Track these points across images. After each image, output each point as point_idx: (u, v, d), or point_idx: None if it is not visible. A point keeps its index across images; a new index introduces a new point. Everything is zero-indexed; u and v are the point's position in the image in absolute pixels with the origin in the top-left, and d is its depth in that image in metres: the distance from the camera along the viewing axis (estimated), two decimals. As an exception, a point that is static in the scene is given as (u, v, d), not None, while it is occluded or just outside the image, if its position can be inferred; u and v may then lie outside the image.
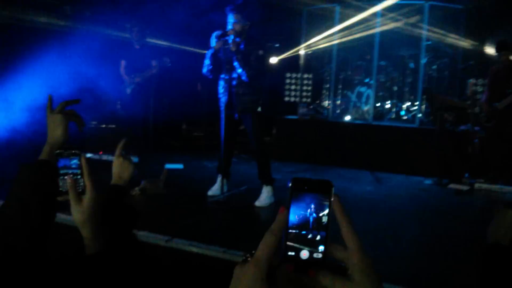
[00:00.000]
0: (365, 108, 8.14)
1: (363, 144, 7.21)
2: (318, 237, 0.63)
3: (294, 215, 0.63)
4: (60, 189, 1.23)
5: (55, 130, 1.45)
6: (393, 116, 8.02)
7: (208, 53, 4.70)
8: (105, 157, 6.45)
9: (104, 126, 7.77)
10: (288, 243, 0.63)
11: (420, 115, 7.53)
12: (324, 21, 8.33)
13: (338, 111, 8.42)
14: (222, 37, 4.56)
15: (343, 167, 7.02)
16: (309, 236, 0.63)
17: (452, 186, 6.07)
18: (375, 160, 7.00)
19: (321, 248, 0.63)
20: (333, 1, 7.99)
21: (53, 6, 7.42)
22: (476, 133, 6.50)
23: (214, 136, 8.49)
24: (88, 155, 6.44)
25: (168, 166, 6.53)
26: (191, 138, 9.18)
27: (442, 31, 7.72)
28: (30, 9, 6.89)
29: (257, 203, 4.68)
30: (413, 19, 7.66)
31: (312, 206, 0.63)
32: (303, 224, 0.63)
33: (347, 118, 8.03)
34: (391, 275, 3.08)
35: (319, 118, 8.17)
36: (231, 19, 4.58)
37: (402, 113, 8.01)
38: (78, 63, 6.66)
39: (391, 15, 7.75)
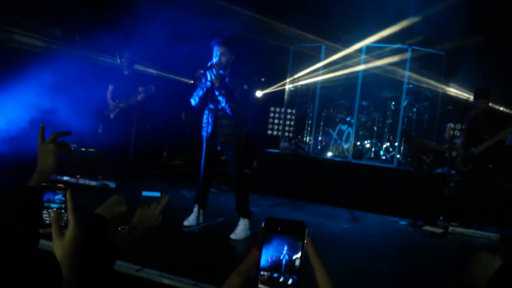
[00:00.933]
0: (345, 146, 8.26)
1: (341, 182, 7.27)
2: (290, 281, 0.61)
3: (267, 257, 0.61)
4: (43, 221, 1.24)
5: (46, 159, 1.48)
6: (372, 155, 8.14)
7: (203, 86, 4.72)
8: (82, 181, 6.37)
9: (83, 149, 7.70)
10: (260, 286, 0.61)
11: (398, 156, 7.66)
12: (309, 59, 8.53)
13: (319, 147, 8.52)
14: (208, 69, 4.62)
15: (321, 203, 7.05)
16: (281, 279, 0.61)
17: (426, 228, 6.13)
18: (353, 198, 7.05)
19: None
20: (319, 41, 8.20)
21: (43, 29, 7.47)
22: (452, 176, 6.62)
23: (194, 165, 8.48)
24: (65, 178, 6.35)
25: (145, 193, 6.47)
26: (171, 166, 9.14)
27: (423, 75, 7.96)
28: (19, 31, 6.92)
29: (233, 236, 4.66)
30: (395, 62, 7.90)
31: (285, 248, 0.61)
32: (275, 266, 0.61)
33: (329, 154, 8.11)
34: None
35: (300, 153, 8.24)
36: (217, 51, 4.66)
37: (381, 153, 8.14)
38: (65, 86, 6.67)
39: (375, 58, 7.97)
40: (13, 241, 1.26)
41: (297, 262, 0.62)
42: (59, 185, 1.25)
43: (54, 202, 1.23)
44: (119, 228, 1.76)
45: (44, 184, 1.25)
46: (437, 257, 5.06)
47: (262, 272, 0.61)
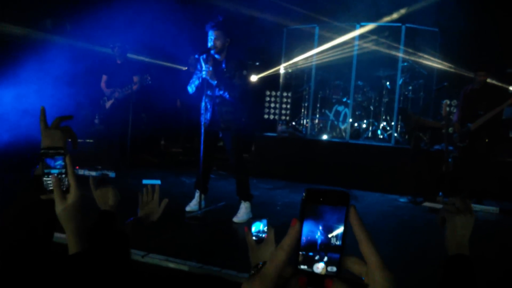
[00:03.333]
0: (342, 126, 8.27)
1: (340, 162, 7.30)
2: (326, 259, 0.59)
3: (306, 236, 0.59)
4: (45, 187, 1.24)
5: (55, 146, 1.45)
6: (369, 135, 8.16)
7: (199, 76, 4.70)
8: (81, 172, 6.37)
9: (81, 140, 7.69)
10: (301, 267, 0.59)
11: (395, 134, 7.68)
12: (303, 40, 8.49)
13: (316, 129, 8.53)
14: (202, 54, 4.59)
15: (321, 184, 7.08)
16: (317, 257, 0.59)
17: (426, 204, 6.18)
18: (352, 178, 7.08)
19: (329, 268, 0.59)
20: (313, 22, 8.15)
21: (34, 19, 7.39)
22: (450, 152, 6.66)
23: (192, 152, 8.49)
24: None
25: (145, 181, 6.48)
26: (169, 154, 9.15)
27: (418, 53, 7.95)
28: (11, 21, 6.84)
29: (235, 219, 4.69)
30: (389, 40, 7.88)
31: (325, 223, 0.59)
32: (311, 244, 0.59)
33: (325, 137, 8.13)
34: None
35: (298, 136, 8.25)
36: (211, 35, 4.63)
37: (379, 132, 8.16)
38: (58, 77, 6.62)
39: (369, 37, 7.95)
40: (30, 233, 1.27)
41: (337, 239, 0.59)
42: (58, 150, 1.25)
43: (54, 168, 1.24)
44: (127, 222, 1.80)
45: (42, 150, 1.25)
46: (437, 232, 5.10)
47: (302, 252, 0.58)
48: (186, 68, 8.53)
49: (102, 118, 7.14)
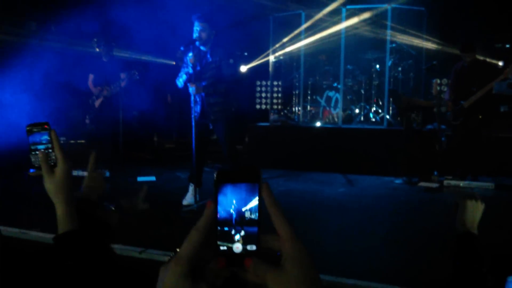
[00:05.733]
0: (334, 112, 8.26)
1: (334, 148, 7.29)
2: (243, 233, 0.60)
3: (220, 210, 0.60)
4: (32, 164, 1.25)
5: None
6: (362, 118, 8.15)
7: (186, 71, 4.67)
8: (75, 173, 6.31)
9: (73, 141, 7.65)
10: (218, 242, 0.60)
11: (387, 116, 7.68)
12: (290, 28, 8.44)
13: (308, 116, 8.51)
14: (188, 45, 4.56)
15: (316, 171, 7.08)
16: (232, 232, 0.60)
17: (421, 184, 6.20)
18: (347, 162, 7.08)
19: (247, 242, 0.60)
20: (298, 8, 8.11)
21: (18, 22, 7.31)
22: (443, 131, 6.67)
23: (185, 147, 8.45)
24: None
25: (140, 179, 6.46)
26: (163, 150, 9.11)
27: (405, 33, 7.93)
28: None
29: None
30: (376, 22, 7.85)
31: (238, 198, 0.60)
32: (227, 219, 0.60)
33: (318, 124, 8.10)
34: (364, 270, 3.12)
35: (290, 124, 8.24)
36: (197, 27, 4.59)
37: (371, 115, 8.16)
38: (45, 79, 6.56)
39: (355, 19, 7.91)
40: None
41: (251, 212, 0.60)
42: (44, 126, 1.25)
43: (40, 143, 1.24)
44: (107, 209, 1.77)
45: (28, 128, 1.25)
46: (434, 211, 5.13)
47: (219, 227, 0.60)
48: (175, 63, 8.46)
49: (92, 117, 7.07)
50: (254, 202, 0.60)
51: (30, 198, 4.51)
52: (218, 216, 0.60)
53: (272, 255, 0.61)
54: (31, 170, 1.25)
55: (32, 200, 3.99)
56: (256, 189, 0.60)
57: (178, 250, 0.60)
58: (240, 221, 0.60)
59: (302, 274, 0.59)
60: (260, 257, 0.60)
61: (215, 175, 0.61)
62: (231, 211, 0.60)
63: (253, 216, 0.60)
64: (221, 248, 0.60)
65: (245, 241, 0.60)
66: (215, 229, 0.60)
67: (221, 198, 0.60)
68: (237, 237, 0.60)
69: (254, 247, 0.60)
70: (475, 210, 1.50)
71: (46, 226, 3.75)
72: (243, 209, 0.60)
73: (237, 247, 0.60)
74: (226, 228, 0.60)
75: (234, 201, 0.60)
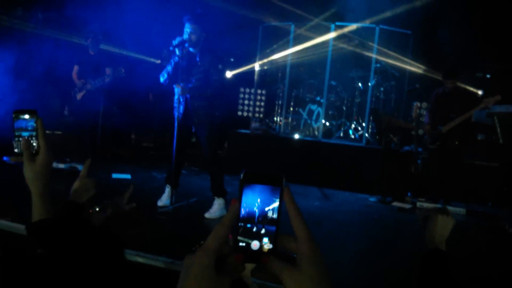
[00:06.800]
0: (315, 125, 8.33)
1: (312, 161, 7.34)
2: (263, 231, 0.65)
3: (245, 208, 0.65)
4: (15, 150, 1.25)
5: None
6: (341, 134, 8.24)
7: (172, 62, 4.64)
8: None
9: (49, 132, 7.49)
10: (239, 237, 0.65)
11: (366, 135, 7.78)
12: (279, 38, 8.50)
13: (289, 127, 8.55)
14: (177, 47, 4.53)
15: (292, 183, 7.10)
16: (254, 229, 0.65)
17: (395, 204, 6.29)
18: (323, 176, 7.14)
19: (266, 240, 0.65)
20: (289, 20, 8.17)
21: (3, 8, 7.15)
22: (419, 153, 6.79)
23: (163, 147, 8.38)
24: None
25: (115, 176, 6.37)
26: (140, 148, 9.01)
27: (391, 55, 8.06)
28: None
29: (207, 215, 4.65)
30: (363, 41, 7.97)
31: (260, 198, 0.65)
32: (250, 217, 0.65)
33: (296, 136, 8.13)
34: (336, 283, 3.13)
35: (271, 134, 8.26)
36: (188, 28, 4.57)
37: (350, 132, 8.25)
38: (28, 66, 6.42)
39: (343, 38, 8.02)
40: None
41: (273, 213, 0.65)
42: (31, 113, 1.26)
43: (26, 129, 1.25)
44: (92, 210, 1.77)
45: (14, 113, 1.26)
46: (405, 231, 5.21)
47: (241, 224, 0.65)
48: (160, 61, 8.41)
49: (72, 109, 6.95)
50: (276, 203, 0.65)
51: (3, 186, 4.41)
52: (242, 213, 0.65)
53: (287, 255, 0.66)
54: (5, 158, 1.25)
55: (5, 188, 3.90)
56: (278, 191, 0.65)
57: (202, 242, 0.63)
58: (263, 219, 0.65)
59: (317, 274, 0.64)
60: (276, 255, 0.65)
61: (241, 175, 0.65)
62: (255, 209, 0.65)
63: (274, 216, 0.65)
64: (240, 244, 0.65)
65: (264, 238, 0.65)
66: (237, 226, 0.65)
67: (245, 197, 0.65)
68: (257, 242, 0.65)
69: (271, 246, 0.65)
70: (445, 225, 1.50)
71: (19, 216, 3.68)
72: (266, 209, 0.65)
73: (255, 244, 0.65)
74: (248, 225, 0.65)
75: (258, 200, 0.65)
